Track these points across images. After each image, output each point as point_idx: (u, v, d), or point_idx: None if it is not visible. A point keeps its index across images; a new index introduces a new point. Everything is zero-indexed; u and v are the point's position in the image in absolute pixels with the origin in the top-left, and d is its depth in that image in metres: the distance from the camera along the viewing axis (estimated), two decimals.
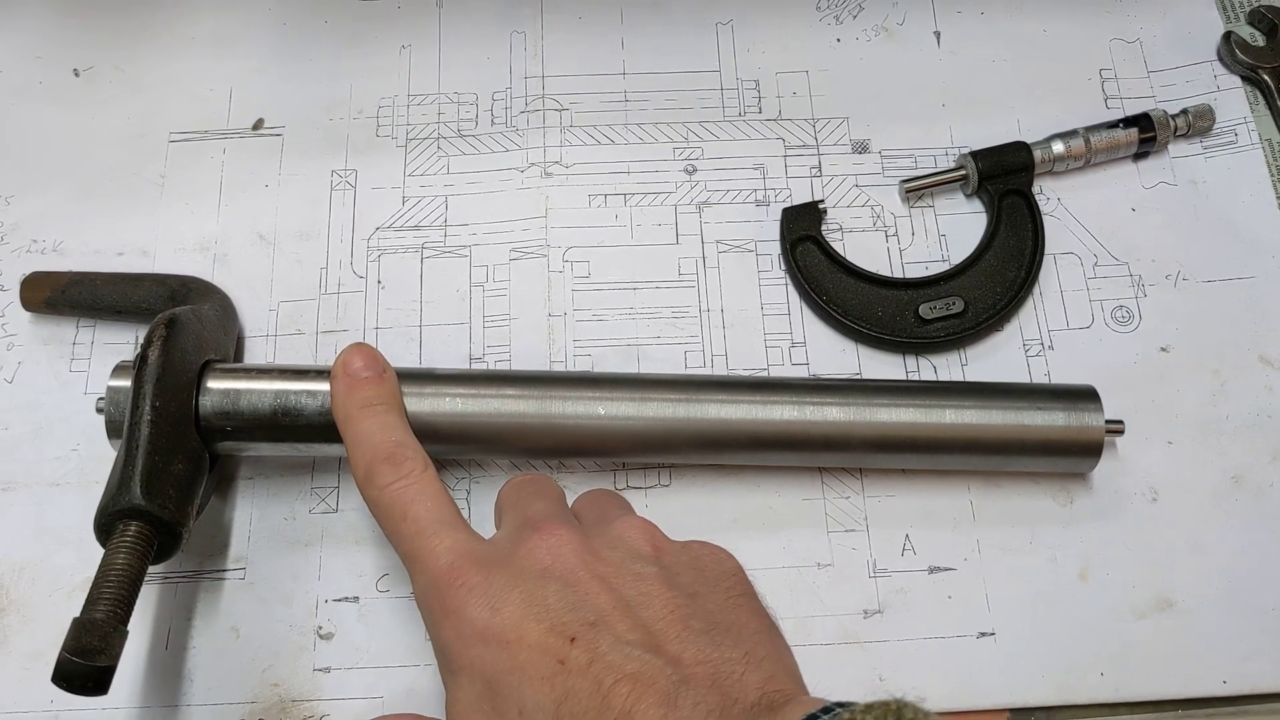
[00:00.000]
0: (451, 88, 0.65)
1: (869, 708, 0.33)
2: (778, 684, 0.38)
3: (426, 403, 0.51)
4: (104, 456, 0.53)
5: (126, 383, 0.50)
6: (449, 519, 0.44)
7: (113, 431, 0.51)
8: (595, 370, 0.58)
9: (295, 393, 0.51)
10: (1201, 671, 0.52)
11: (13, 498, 0.55)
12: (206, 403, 0.51)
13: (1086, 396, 0.53)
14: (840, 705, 0.34)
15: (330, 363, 0.51)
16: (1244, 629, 0.53)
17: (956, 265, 0.60)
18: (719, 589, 0.42)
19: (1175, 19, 0.67)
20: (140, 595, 0.53)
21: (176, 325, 0.51)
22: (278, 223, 0.62)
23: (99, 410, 0.51)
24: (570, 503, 0.50)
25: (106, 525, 0.47)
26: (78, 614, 0.44)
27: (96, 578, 0.45)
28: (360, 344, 0.51)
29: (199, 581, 0.54)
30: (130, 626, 0.49)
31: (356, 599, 0.54)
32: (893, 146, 0.64)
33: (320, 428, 0.51)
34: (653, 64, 0.65)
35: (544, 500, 0.47)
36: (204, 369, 0.51)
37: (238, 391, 0.51)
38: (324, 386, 0.51)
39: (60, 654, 0.42)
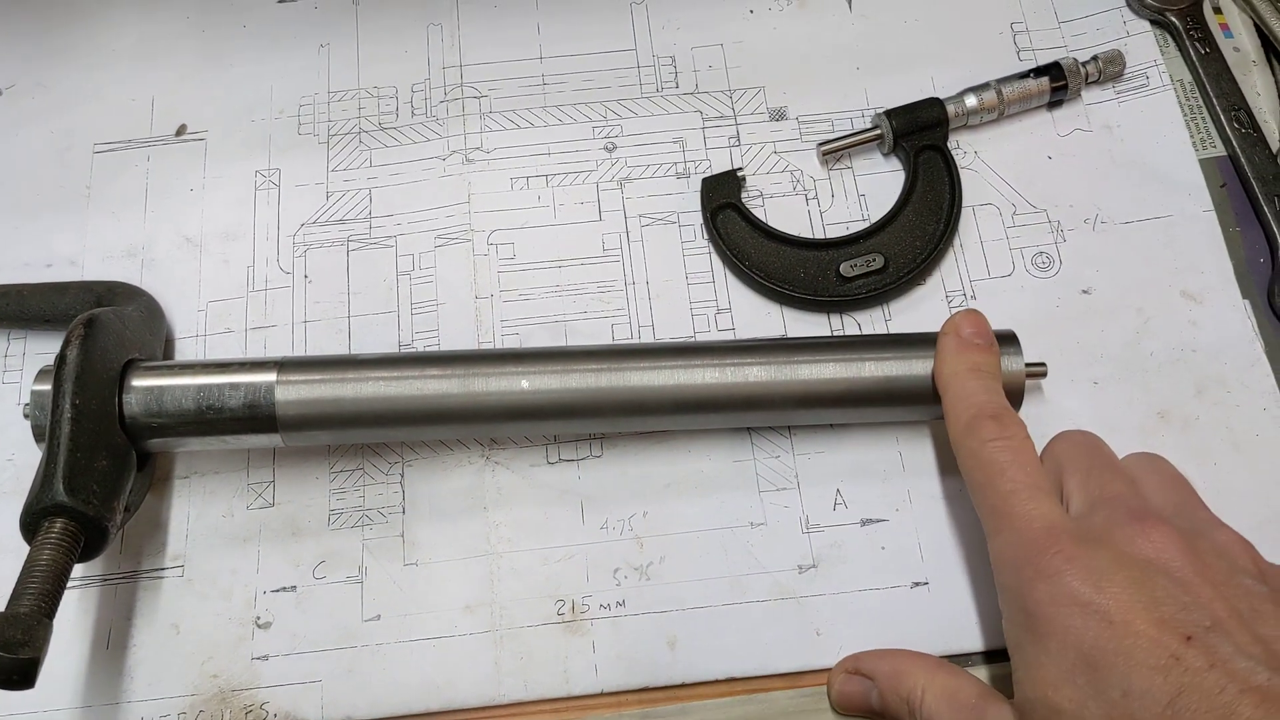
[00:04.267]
0: (371, 82, 0.65)
1: None
2: None
3: (348, 388, 0.51)
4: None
5: (49, 386, 0.50)
6: (1046, 487, 0.46)
7: (38, 435, 0.51)
8: (519, 346, 0.58)
9: (219, 386, 0.51)
10: None
11: None
12: (131, 400, 0.51)
13: (1005, 340, 0.53)
14: None
15: (259, 357, 0.52)
16: None
17: (875, 223, 0.60)
18: None
19: None
20: (80, 597, 0.54)
21: (95, 325, 0.51)
22: (204, 225, 0.62)
23: (25, 415, 0.52)
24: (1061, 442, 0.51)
25: (31, 523, 0.47)
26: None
27: (21, 574, 0.45)
28: (973, 311, 0.53)
29: (138, 581, 0.54)
30: (71, 629, 0.50)
31: (294, 588, 0.54)
32: (810, 112, 0.64)
33: (245, 419, 0.51)
34: (569, 47, 0.66)
35: (1120, 482, 0.47)
36: (127, 368, 0.52)
37: (161, 388, 0.51)
38: (246, 379, 0.51)
39: None
